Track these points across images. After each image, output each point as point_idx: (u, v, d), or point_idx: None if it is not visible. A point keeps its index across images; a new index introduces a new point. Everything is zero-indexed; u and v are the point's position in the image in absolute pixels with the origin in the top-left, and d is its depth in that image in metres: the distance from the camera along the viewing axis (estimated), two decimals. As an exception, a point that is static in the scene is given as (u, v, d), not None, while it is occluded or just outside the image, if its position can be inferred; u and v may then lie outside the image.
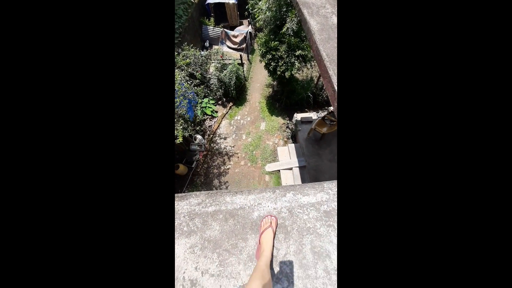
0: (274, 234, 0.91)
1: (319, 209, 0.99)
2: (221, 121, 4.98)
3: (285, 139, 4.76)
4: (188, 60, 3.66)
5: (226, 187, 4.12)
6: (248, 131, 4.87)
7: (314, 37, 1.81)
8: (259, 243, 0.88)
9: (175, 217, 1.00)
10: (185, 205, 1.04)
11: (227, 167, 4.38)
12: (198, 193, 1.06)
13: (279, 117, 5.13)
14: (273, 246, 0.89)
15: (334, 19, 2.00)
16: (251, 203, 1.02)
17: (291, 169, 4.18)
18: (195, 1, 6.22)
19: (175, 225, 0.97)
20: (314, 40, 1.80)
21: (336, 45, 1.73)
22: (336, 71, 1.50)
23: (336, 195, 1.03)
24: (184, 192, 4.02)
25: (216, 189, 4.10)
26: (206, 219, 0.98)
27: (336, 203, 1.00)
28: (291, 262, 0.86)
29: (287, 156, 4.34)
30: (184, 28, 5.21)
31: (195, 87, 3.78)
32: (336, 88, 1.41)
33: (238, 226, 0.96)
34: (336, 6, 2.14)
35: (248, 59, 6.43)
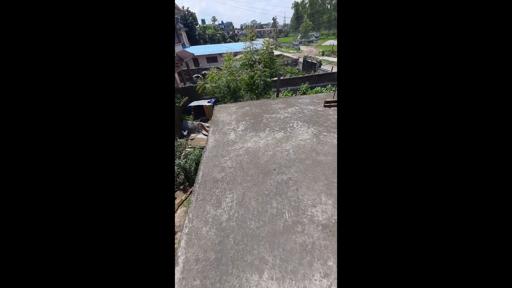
0: None
1: None
2: (177, 209, 4.70)
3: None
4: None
5: None
6: (204, 219, 4.48)
7: (203, 155, 2.07)
8: None
9: None
10: None
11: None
12: None
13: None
14: None
15: (231, 135, 2.40)
16: None
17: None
18: (179, 104, 8.01)
19: None
20: (203, 158, 2.04)
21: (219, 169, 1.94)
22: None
23: None
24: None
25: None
26: None
27: None
28: None
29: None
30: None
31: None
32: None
33: None
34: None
35: (217, 144, 7.24)
